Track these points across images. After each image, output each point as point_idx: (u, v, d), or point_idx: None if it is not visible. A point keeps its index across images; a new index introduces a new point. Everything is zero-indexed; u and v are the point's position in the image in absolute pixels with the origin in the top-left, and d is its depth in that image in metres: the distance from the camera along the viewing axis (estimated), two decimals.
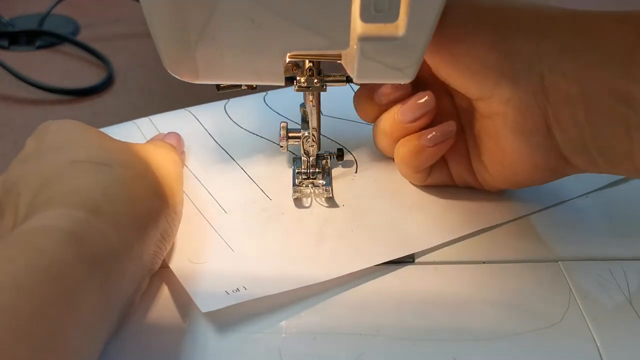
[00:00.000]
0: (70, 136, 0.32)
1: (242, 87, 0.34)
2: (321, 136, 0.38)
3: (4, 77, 0.56)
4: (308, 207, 0.37)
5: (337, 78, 0.35)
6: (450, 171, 0.37)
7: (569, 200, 0.38)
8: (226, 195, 0.38)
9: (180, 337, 0.29)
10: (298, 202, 0.37)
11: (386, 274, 0.33)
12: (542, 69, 0.30)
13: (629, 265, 0.34)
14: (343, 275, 0.32)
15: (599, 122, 0.30)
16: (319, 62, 0.34)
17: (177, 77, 0.30)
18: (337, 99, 0.43)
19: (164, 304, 0.31)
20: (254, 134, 0.43)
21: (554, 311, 0.31)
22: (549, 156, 0.32)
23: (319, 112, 0.36)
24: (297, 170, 0.38)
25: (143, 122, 0.44)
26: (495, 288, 0.32)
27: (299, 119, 0.39)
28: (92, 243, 0.25)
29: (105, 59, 0.60)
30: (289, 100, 0.45)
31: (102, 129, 0.35)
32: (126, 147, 0.32)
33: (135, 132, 0.43)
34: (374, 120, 0.37)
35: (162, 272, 0.32)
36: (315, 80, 0.35)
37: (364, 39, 0.28)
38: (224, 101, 0.46)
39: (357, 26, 0.28)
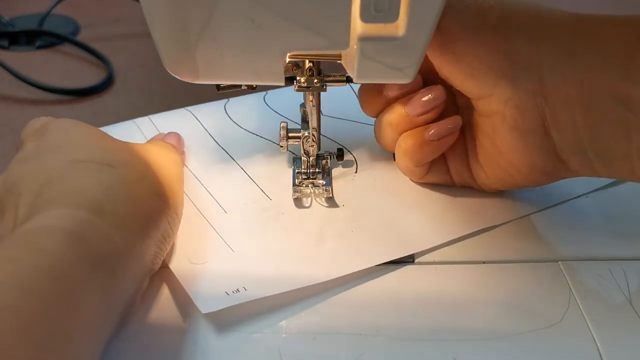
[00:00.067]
0: (71, 136, 0.32)
1: (242, 87, 0.34)
2: (321, 136, 0.38)
3: (4, 77, 0.56)
4: (308, 207, 0.37)
5: (337, 78, 0.35)
6: (448, 169, 0.37)
7: (569, 200, 0.38)
8: (226, 195, 0.38)
9: (180, 337, 0.29)
10: (298, 202, 0.37)
11: (386, 274, 0.33)
12: (541, 70, 0.30)
13: (629, 265, 0.34)
14: (343, 275, 0.32)
15: (598, 124, 0.30)
16: (319, 62, 0.34)
17: (177, 77, 0.30)
18: (337, 99, 0.43)
19: (164, 304, 0.31)
20: (254, 134, 0.43)
21: (554, 311, 0.31)
22: (545, 157, 0.32)
23: (319, 112, 0.36)
24: (297, 170, 0.38)
25: (143, 121, 0.44)
26: (495, 288, 0.32)
27: (299, 119, 0.39)
28: (94, 243, 0.25)
29: (105, 59, 0.60)
30: (289, 100, 0.45)
31: (102, 128, 0.35)
32: (127, 147, 0.32)
33: (134, 131, 0.43)
34: (377, 114, 0.38)
35: (162, 273, 0.32)
36: (315, 80, 0.35)
37: (364, 39, 0.28)
38: (224, 100, 0.46)
39: (357, 26, 0.28)
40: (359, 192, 0.38)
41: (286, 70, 0.33)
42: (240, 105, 0.46)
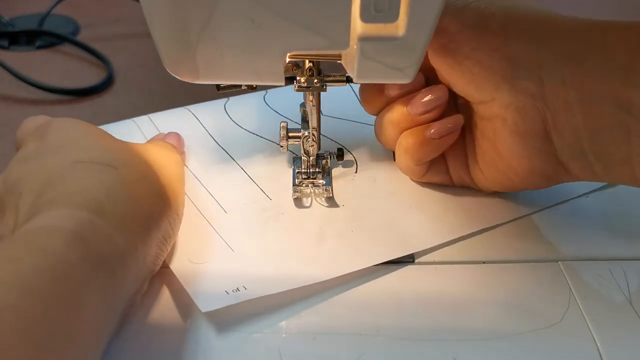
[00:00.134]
0: (72, 136, 0.32)
1: (242, 87, 0.34)
2: (321, 136, 0.38)
3: (4, 77, 0.56)
4: (308, 207, 0.37)
5: (337, 78, 0.35)
6: (448, 169, 0.37)
7: (569, 200, 0.38)
8: (226, 195, 0.38)
9: (180, 337, 0.29)
10: (298, 202, 0.37)
11: (386, 274, 0.33)
12: (541, 75, 0.31)
13: (629, 265, 0.34)
14: (343, 275, 0.32)
15: (598, 128, 0.30)
16: (319, 62, 0.34)
17: (177, 77, 0.30)
18: (337, 99, 0.43)
19: (164, 304, 0.31)
20: (254, 133, 0.43)
21: (554, 311, 0.31)
22: (545, 161, 0.32)
23: (319, 112, 0.36)
24: (297, 170, 0.38)
25: (142, 120, 0.44)
26: (495, 288, 0.32)
27: (299, 119, 0.39)
28: (95, 244, 0.25)
29: (105, 59, 0.60)
30: (289, 99, 0.45)
31: (101, 127, 0.35)
32: (128, 147, 0.32)
33: (134, 130, 0.43)
34: (379, 112, 0.38)
35: (162, 273, 0.32)
36: (315, 80, 0.35)
37: (364, 39, 0.28)
38: (224, 100, 0.46)
39: (357, 26, 0.28)
40: (359, 192, 0.38)
41: (286, 70, 0.33)
42: (240, 105, 0.46)
